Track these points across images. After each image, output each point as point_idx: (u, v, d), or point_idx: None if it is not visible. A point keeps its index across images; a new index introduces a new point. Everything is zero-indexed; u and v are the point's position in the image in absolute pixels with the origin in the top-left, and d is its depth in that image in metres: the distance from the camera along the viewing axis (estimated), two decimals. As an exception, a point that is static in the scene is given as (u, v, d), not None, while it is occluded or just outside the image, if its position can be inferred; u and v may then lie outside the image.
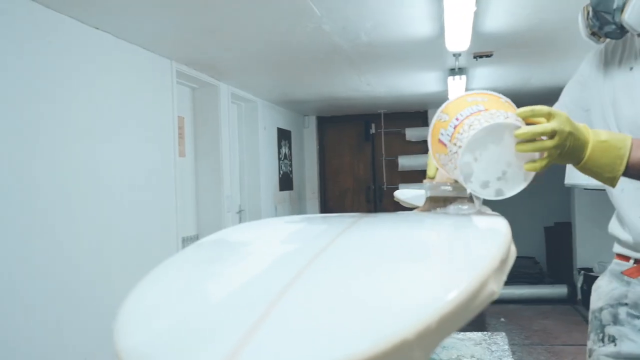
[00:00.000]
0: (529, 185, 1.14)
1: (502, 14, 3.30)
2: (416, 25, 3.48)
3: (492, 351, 2.51)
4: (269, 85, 5.52)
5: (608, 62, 1.57)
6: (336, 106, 7.14)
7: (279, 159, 6.79)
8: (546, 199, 8.14)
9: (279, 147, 6.80)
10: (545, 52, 4.33)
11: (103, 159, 3.27)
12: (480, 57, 4.30)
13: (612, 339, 1.63)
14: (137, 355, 0.48)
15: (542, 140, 1.13)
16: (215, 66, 4.41)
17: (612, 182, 1.27)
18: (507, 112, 1.12)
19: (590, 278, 6.91)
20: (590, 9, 1.46)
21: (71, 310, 2.97)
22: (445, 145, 1.13)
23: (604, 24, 1.43)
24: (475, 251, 0.68)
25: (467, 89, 5.30)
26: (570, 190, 7.22)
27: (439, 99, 6.68)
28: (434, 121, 1.19)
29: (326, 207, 8.03)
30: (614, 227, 1.66)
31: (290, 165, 7.28)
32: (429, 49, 4.07)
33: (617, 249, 1.64)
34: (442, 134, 1.14)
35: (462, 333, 2.56)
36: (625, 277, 1.60)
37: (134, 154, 3.59)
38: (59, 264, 2.89)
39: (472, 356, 2.42)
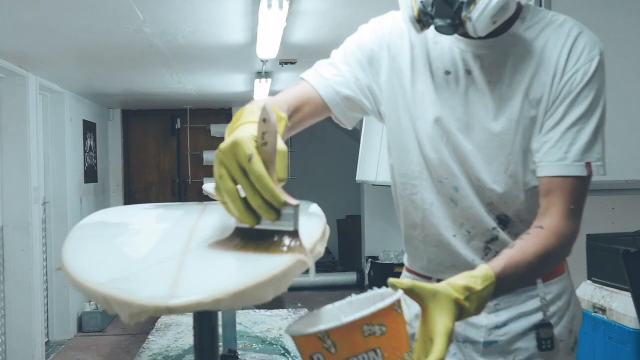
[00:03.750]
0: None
1: (307, 29, 3.72)
2: (231, 33, 3.80)
3: (297, 324, 2.90)
4: (78, 78, 5.51)
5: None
6: (143, 100, 7.22)
7: (85, 151, 6.74)
8: (339, 194, 8.85)
9: (85, 139, 6.75)
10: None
11: None
12: (286, 63, 4.71)
13: None
14: (113, 286, 0.75)
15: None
16: (27, 58, 4.38)
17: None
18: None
19: (376, 265, 7.67)
20: None
21: None
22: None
23: (441, 15, 1.15)
24: (307, 227, 1.00)
25: (271, 91, 5.67)
26: (360, 185, 7.90)
27: (244, 98, 7.03)
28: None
29: (131, 200, 8.05)
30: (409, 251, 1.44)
31: (96, 158, 7.23)
32: (240, 54, 4.41)
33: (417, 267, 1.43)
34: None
35: (269, 310, 2.90)
36: None
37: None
38: None
39: (280, 328, 2.78)
